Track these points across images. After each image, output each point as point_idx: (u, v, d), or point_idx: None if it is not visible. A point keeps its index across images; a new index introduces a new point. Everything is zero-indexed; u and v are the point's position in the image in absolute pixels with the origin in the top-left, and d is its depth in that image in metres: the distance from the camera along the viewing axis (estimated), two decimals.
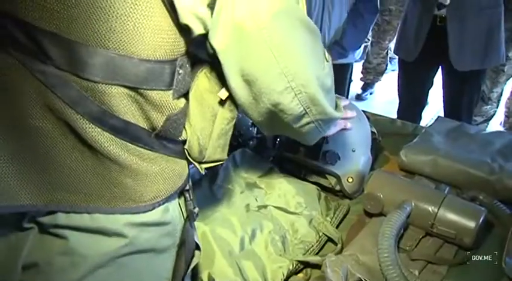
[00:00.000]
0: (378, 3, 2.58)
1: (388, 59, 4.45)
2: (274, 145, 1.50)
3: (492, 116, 3.56)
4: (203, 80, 0.86)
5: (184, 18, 0.73)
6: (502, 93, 3.49)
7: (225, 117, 0.89)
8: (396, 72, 2.90)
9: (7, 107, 0.75)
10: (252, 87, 0.80)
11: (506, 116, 3.59)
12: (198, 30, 0.75)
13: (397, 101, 2.92)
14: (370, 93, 4.52)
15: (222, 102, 0.87)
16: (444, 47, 2.40)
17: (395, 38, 2.85)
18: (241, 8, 0.72)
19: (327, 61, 0.88)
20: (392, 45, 4.11)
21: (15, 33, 0.71)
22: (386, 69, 4.46)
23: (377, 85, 4.54)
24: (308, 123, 0.88)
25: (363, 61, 4.29)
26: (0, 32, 0.72)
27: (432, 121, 1.87)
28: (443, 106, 2.78)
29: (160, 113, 0.80)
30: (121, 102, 0.76)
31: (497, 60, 2.60)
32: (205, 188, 1.33)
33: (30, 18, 0.70)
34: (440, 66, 2.65)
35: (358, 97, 4.41)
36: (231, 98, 0.85)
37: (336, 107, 0.95)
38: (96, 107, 0.75)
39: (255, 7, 0.72)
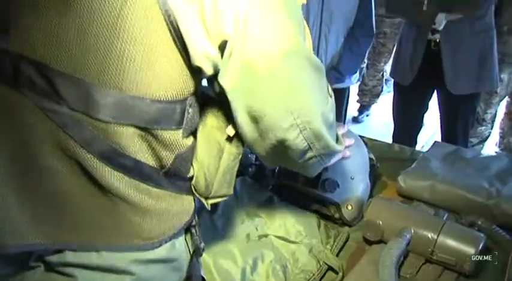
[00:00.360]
0: (374, 28, 2.62)
1: (384, 80, 4.49)
2: (274, 173, 1.50)
3: (487, 137, 3.59)
4: (211, 117, 0.88)
5: (197, 61, 0.74)
6: (496, 115, 3.53)
7: (232, 153, 0.89)
8: (392, 94, 2.93)
9: (18, 145, 0.76)
10: (259, 124, 0.81)
11: (501, 136, 3.62)
12: (208, 71, 0.77)
13: (392, 123, 2.95)
14: (367, 115, 4.55)
15: (229, 139, 0.88)
16: (439, 71, 2.44)
17: (391, 61, 2.89)
18: (251, 49, 0.73)
19: (330, 97, 0.89)
20: (387, 67, 4.15)
21: (30, 73, 0.72)
22: (382, 91, 4.49)
23: (373, 107, 4.57)
24: (311, 158, 0.89)
25: (359, 83, 4.34)
26: (15, 73, 0.73)
27: (428, 143, 1.89)
28: (440, 128, 2.80)
29: (170, 151, 0.82)
30: (132, 141, 0.77)
31: (491, 84, 2.64)
32: (206, 218, 1.33)
33: (47, 60, 0.72)
34: (435, 90, 2.68)
35: (355, 119, 4.44)
36: (237, 134, 0.87)
37: (337, 140, 0.96)
38: (107, 147, 0.76)
39: (264, 48, 0.74)
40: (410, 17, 2.54)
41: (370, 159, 1.56)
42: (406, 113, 2.80)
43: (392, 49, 4.04)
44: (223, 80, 0.77)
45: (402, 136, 2.78)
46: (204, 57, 0.74)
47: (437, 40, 2.42)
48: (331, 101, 0.89)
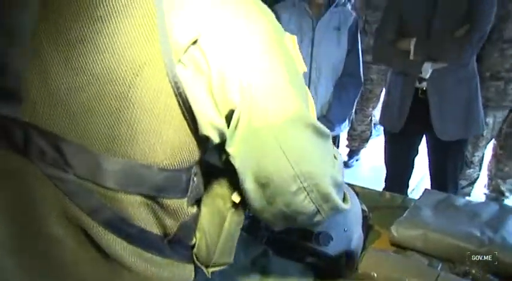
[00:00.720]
0: (362, 77, 2.68)
1: (372, 125, 4.55)
2: (268, 226, 1.51)
3: (476, 179, 3.63)
4: (214, 186, 0.89)
5: (205, 130, 0.75)
6: (483, 157, 3.58)
7: (234, 221, 0.90)
8: (380, 138, 2.98)
9: (21, 213, 0.76)
10: (266, 190, 0.80)
11: (489, 178, 3.67)
12: (215, 139, 0.77)
13: (383, 166, 2.98)
14: (356, 160, 4.59)
15: (232, 207, 0.88)
16: (427, 117, 2.50)
17: (380, 107, 2.94)
18: (256, 117, 0.74)
19: (336, 159, 0.90)
20: (376, 112, 4.22)
21: (40, 143, 0.73)
22: (371, 135, 4.54)
23: (363, 151, 4.61)
24: (320, 220, 0.88)
25: (348, 129, 4.39)
26: (26, 141, 0.73)
27: (418, 186, 1.91)
28: (430, 173, 2.84)
29: (175, 219, 0.82)
30: (138, 210, 0.77)
31: (478, 129, 2.70)
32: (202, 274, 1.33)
33: (57, 129, 0.72)
34: (424, 135, 2.73)
35: (345, 164, 4.46)
36: (241, 202, 0.86)
37: (344, 198, 0.94)
38: (113, 215, 0.76)
39: (270, 116, 0.75)
40: (397, 66, 2.61)
41: (363, 210, 1.57)
42: (397, 159, 2.85)
43: (380, 95, 4.12)
44: (230, 148, 0.78)
45: (394, 182, 2.82)
46: (211, 126, 0.75)
47: (424, 88, 2.48)
48: (339, 162, 0.90)
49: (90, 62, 0.69)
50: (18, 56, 0.72)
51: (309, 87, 2.55)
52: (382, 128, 2.94)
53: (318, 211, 0.84)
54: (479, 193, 3.69)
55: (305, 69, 0.87)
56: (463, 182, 3.51)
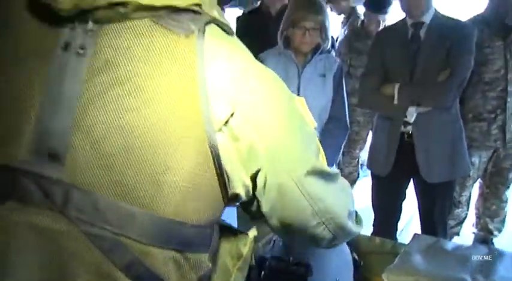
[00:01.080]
0: (348, 122, 2.72)
1: (360, 166, 4.58)
2: (259, 276, 1.50)
3: (464, 218, 3.65)
4: (223, 240, 0.92)
5: (236, 189, 0.82)
6: (471, 196, 3.62)
7: (238, 275, 0.93)
8: (368, 179, 3.00)
9: (52, 270, 0.76)
10: (290, 226, 0.92)
11: (477, 217, 3.69)
12: (244, 197, 0.85)
13: (371, 208, 2.99)
14: None
15: (238, 262, 0.93)
16: (414, 161, 2.53)
17: (368, 153, 2.98)
18: (280, 174, 0.84)
19: (346, 191, 1.00)
20: (363, 153, 4.26)
21: (78, 201, 0.74)
22: (358, 177, 4.57)
23: None
24: (336, 243, 1.00)
25: None
26: (65, 200, 0.74)
27: (406, 227, 1.91)
28: (419, 216, 2.85)
29: (195, 273, 0.84)
30: (166, 264, 0.79)
31: (464, 171, 2.75)
32: None
33: (96, 188, 0.74)
34: (411, 178, 2.76)
35: None
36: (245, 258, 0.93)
37: (357, 221, 1.04)
38: (144, 269, 0.77)
39: (291, 171, 0.85)
40: (383, 111, 2.67)
41: (354, 258, 1.57)
42: (385, 204, 2.86)
43: (366, 137, 4.17)
44: (262, 203, 0.87)
45: (382, 227, 2.83)
46: (242, 185, 0.82)
47: (410, 132, 2.53)
48: (349, 193, 1.01)
49: (134, 128, 0.73)
50: (64, 120, 0.74)
51: None
52: (370, 175, 2.97)
53: (335, 237, 0.95)
54: (468, 232, 3.71)
55: (315, 124, 0.98)
56: (452, 222, 3.52)
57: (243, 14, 4.48)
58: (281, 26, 2.64)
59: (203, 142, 0.75)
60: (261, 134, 0.80)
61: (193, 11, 0.75)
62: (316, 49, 2.58)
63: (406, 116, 2.52)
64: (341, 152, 4.26)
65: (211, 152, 0.76)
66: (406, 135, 2.56)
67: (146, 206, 0.75)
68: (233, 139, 0.78)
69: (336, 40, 4.95)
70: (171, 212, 0.76)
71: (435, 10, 2.57)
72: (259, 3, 4.31)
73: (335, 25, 5.47)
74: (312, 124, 0.95)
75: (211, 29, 0.77)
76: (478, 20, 3.17)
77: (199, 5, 0.75)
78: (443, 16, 2.59)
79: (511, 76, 3.17)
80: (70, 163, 0.74)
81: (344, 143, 4.22)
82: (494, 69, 3.18)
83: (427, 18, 2.55)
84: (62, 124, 0.74)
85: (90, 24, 0.74)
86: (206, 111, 0.74)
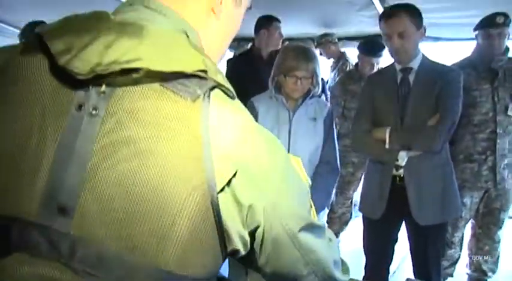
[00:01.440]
0: (338, 165, 2.73)
1: (353, 206, 4.56)
2: None
3: (457, 259, 3.65)
4: None
5: (236, 245, 0.85)
6: (463, 237, 3.62)
7: None
8: (359, 219, 2.98)
9: None
10: (282, 277, 0.97)
11: (470, 257, 3.67)
12: (242, 252, 0.88)
13: (362, 251, 2.95)
14: None
15: None
16: (406, 203, 2.54)
17: (359, 196, 2.98)
18: (277, 230, 0.88)
19: (332, 241, 1.04)
20: (356, 194, 4.26)
21: (83, 252, 0.76)
22: (351, 218, 4.55)
23: (342, 234, 4.59)
24: None
25: (327, 211, 4.39)
26: (70, 251, 0.76)
27: (398, 269, 1.89)
28: (412, 259, 2.82)
29: None
30: None
31: (456, 212, 2.76)
32: None
33: (102, 241, 0.76)
34: (404, 221, 2.75)
35: None
36: None
37: (344, 269, 1.10)
38: None
39: (287, 227, 0.89)
40: (374, 155, 2.69)
41: None
42: (377, 248, 2.83)
43: (361, 178, 4.17)
44: (259, 259, 0.92)
45: (375, 269, 2.80)
46: (241, 242, 0.85)
47: (401, 175, 2.55)
48: (334, 243, 1.05)
49: (141, 187, 0.76)
50: (75, 176, 0.77)
51: None
52: (362, 218, 2.95)
53: None
54: (461, 272, 3.69)
55: (309, 182, 1.04)
56: (445, 263, 3.51)
57: (234, 56, 4.55)
58: (272, 72, 2.67)
59: (206, 200, 0.78)
60: (261, 193, 0.84)
61: (200, 77, 0.78)
62: (307, 94, 2.61)
63: (397, 160, 2.53)
64: (333, 194, 4.29)
65: (213, 211, 0.79)
66: (397, 178, 2.57)
67: (150, 260, 0.77)
68: (234, 199, 0.81)
69: (326, 83, 5.03)
70: (174, 265, 0.78)
71: (423, 55, 2.62)
72: (250, 45, 4.38)
73: (325, 69, 5.59)
74: (306, 182, 0.99)
75: (216, 93, 0.81)
76: (465, 64, 3.26)
77: (205, 71, 0.78)
78: (430, 61, 2.64)
79: (500, 118, 3.23)
80: (78, 217, 0.77)
81: (337, 184, 4.26)
82: (483, 112, 3.25)
83: (415, 64, 2.59)
84: (73, 180, 0.77)
85: (104, 87, 0.78)
86: (210, 172, 0.77)
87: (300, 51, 2.59)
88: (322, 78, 4.55)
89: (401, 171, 2.55)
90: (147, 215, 0.76)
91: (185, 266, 0.80)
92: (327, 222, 4.49)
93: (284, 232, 0.89)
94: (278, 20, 4.09)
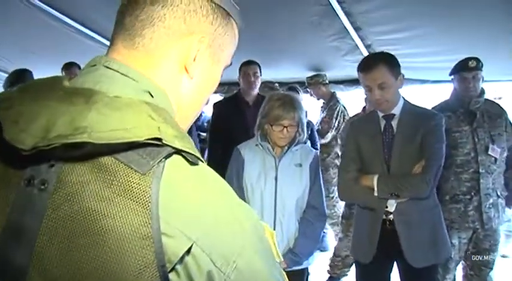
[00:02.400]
0: (325, 210, 2.77)
1: None
2: None
3: None
4: None
5: None
6: (455, 279, 3.59)
7: None
8: None
9: None
10: None
11: None
12: None
13: None
14: None
15: None
16: (397, 246, 2.55)
17: (351, 241, 2.99)
18: None
19: None
20: None
21: None
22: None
23: (344, 279, 4.55)
24: None
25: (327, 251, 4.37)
26: None
27: None
28: None
29: None
30: None
31: (447, 253, 2.77)
32: None
33: None
34: (395, 264, 2.75)
35: None
36: None
37: None
38: None
39: None
40: (363, 202, 2.71)
41: None
42: None
43: None
44: None
45: None
46: None
47: (391, 219, 2.58)
48: None
49: (86, 266, 0.71)
50: (24, 253, 0.73)
51: (274, 223, 2.59)
52: (354, 263, 2.96)
53: None
54: None
55: (280, 257, 0.92)
56: None
57: (220, 100, 4.64)
58: (258, 120, 2.71)
59: (157, 279, 0.72)
60: (225, 269, 0.75)
61: (155, 144, 0.73)
62: (293, 141, 2.66)
63: (386, 206, 2.56)
64: (338, 238, 4.27)
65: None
66: (388, 223, 2.58)
67: None
68: (189, 277, 0.74)
69: (316, 124, 5.09)
70: None
71: (404, 100, 2.67)
72: (235, 92, 4.48)
73: (314, 109, 5.68)
74: (278, 257, 0.89)
75: (173, 161, 0.75)
76: (443, 107, 3.33)
77: (159, 138, 0.73)
78: (411, 105, 2.69)
79: (481, 158, 3.28)
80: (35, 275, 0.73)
81: (341, 228, 4.26)
82: (465, 152, 3.30)
83: (396, 110, 2.63)
84: (20, 260, 0.73)
85: (52, 161, 0.74)
86: (159, 250, 0.71)
87: (286, 101, 2.63)
88: (310, 121, 4.66)
89: (390, 215, 2.58)
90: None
91: None
92: (330, 265, 4.49)
93: None
94: (256, 63, 4.18)
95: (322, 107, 5.41)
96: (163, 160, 0.74)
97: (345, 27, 4.14)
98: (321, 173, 2.79)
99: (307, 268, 2.85)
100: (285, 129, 2.58)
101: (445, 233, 2.71)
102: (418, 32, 4.04)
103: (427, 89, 5.31)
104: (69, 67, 4.49)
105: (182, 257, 0.73)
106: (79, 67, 4.34)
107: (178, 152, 0.75)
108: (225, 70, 0.99)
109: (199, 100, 0.96)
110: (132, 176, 0.72)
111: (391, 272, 2.82)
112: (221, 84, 5.87)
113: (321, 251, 5.06)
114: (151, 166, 0.73)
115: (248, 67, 4.13)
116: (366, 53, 4.49)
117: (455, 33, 4.01)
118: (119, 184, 0.72)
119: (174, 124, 0.79)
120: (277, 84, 5.64)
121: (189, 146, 0.77)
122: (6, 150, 0.74)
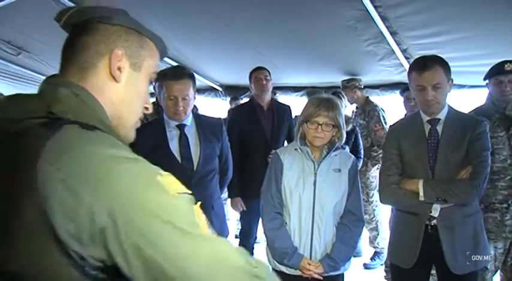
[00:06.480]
0: (363, 215, 2.76)
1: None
2: None
3: None
4: None
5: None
6: None
7: None
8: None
9: None
10: None
11: None
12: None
13: None
14: None
15: None
16: (438, 252, 2.52)
17: (387, 247, 2.96)
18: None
19: None
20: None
21: None
22: None
23: None
24: None
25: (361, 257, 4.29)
26: None
27: None
28: None
29: None
30: None
31: (486, 261, 2.70)
32: None
33: None
34: (435, 271, 2.72)
35: None
36: None
37: None
38: None
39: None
40: (406, 207, 2.68)
41: None
42: None
43: None
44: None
45: None
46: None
47: (433, 224, 2.55)
48: None
49: None
50: None
51: (312, 228, 2.60)
52: (391, 267, 2.92)
53: None
54: None
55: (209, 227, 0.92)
56: None
57: (236, 106, 4.88)
58: (297, 123, 2.73)
59: None
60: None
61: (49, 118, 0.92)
62: (332, 146, 2.66)
63: (431, 211, 2.53)
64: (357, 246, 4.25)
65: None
66: (430, 227, 2.56)
67: None
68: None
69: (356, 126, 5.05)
70: None
71: (448, 105, 2.64)
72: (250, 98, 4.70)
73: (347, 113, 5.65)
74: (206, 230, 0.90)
75: (65, 130, 0.91)
76: (478, 113, 3.20)
77: (51, 112, 0.94)
78: (455, 111, 2.65)
79: None
80: None
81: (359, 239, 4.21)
82: (501, 159, 3.21)
83: (442, 115, 2.60)
84: None
85: None
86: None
87: (322, 100, 2.64)
88: (355, 127, 4.69)
89: (434, 221, 2.55)
90: None
91: None
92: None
93: None
94: (265, 68, 4.43)
95: (355, 111, 5.38)
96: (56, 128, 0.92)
97: (381, 32, 4.14)
98: (359, 178, 2.79)
99: (343, 274, 2.84)
100: (320, 127, 2.57)
101: (485, 239, 2.67)
102: (455, 36, 4.01)
103: (464, 94, 5.24)
104: None
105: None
106: None
107: (71, 122, 0.94)
108: None
109: (137, 101, 1.14)
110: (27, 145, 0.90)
111: (429, 278, 2.79)
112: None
113: (355, 256, 5.04)
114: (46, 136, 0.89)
115: (259, 72, 4.39)
116: (401, 58, 4.47)
117: (492, 37, 3.98)
118: (15, 152, 0.90)
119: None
120: (277, 93, 5.98)
121: (88, 114, 0.99)
122: None
